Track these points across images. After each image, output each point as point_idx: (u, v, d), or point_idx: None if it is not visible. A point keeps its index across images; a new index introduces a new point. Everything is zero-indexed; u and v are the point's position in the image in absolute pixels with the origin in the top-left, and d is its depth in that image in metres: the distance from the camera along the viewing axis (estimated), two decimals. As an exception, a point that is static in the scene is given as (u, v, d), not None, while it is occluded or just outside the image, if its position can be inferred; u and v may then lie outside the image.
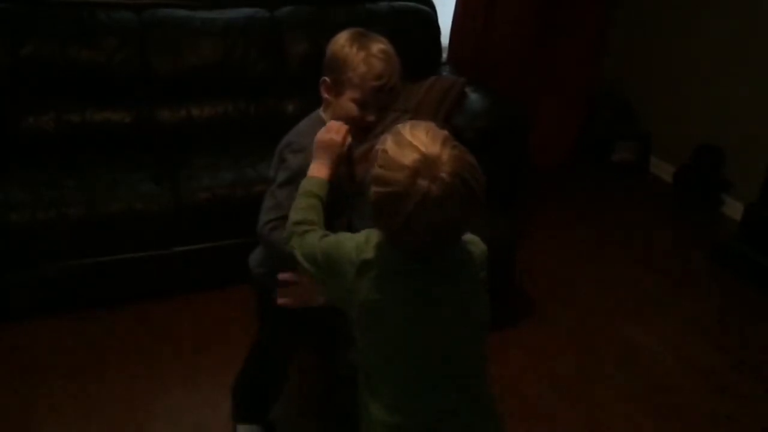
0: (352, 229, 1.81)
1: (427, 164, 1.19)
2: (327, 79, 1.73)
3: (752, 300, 3.12)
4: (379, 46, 1.69)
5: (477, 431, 1.43)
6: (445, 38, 3.77)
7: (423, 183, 1.18)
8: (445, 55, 3.82)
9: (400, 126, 1.28)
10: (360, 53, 1.66)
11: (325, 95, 1.75)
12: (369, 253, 1.34)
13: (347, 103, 1.69)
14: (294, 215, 1.51)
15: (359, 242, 1.36)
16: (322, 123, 1.73)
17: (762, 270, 3.15)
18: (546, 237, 3.49)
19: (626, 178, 4.24)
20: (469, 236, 1.39)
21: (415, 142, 1.22)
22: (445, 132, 1.26)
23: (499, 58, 3.90)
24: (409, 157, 1.20)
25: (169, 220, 2.76)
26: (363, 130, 1.72)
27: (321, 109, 1.79)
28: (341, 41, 1.70)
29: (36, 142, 2.98)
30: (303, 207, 1.52)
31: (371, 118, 1.69)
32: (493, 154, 3.18)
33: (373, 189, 1.24)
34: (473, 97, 3.31)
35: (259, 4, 3.38)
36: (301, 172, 1.64)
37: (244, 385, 2.19)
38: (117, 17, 3.12)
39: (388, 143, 1.25)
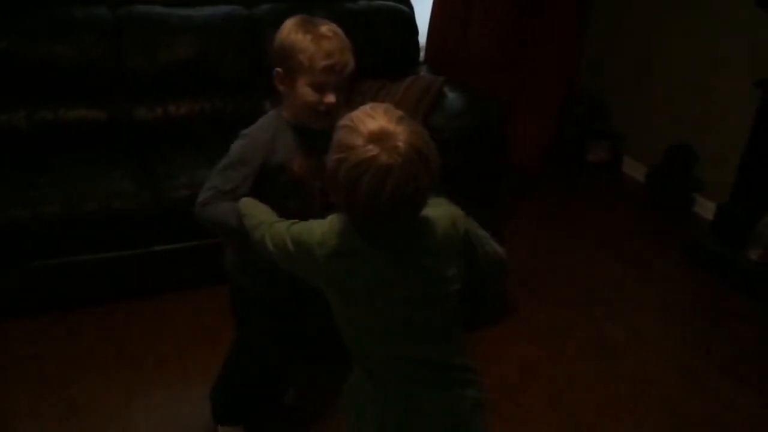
0: None
1: (383, 135, 1.23)
2: (279, 69, 1.73)
3: (724, 296, 3.19)
4: (325, 26, 1.71)
5: (453, 399, 1.47)
6: (422, 37, 3.79)
7: (379, 153, 1.22)
8: (422, 54, 3.84)
9: (361, 106, 1.33)
10: (307, 36, 1.67)
11: (281, 87, 1.75)
12: (333, 235, 1.38)
13: (302, 88, 1.69)
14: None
15: (324, 225, 1.41)
16: (279, 118, 1.76)
17: (733, 267, 3.21)
18: (519, 235, 3.51)
19: (600, 177, 4.30)
20: (432, 200, 1.39)
21: (374, 115, 1.27)
22: (402, 113, 1.30)
23: (475, 58, 3.92)
24: (366, 129, 1.25)
25: (148, 219, 2.73)
26: (326, 115, 1.69)
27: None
28: (287, 28, 1.72)
29: (8, 141, 2.91)
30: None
31: (330, 99, 1.68)
32: (472, 153, 3.23)
33: (332, 158, 1.28)
34: (451, 97, 3.33)
35: (236, 2, 3.36)
36: (241, 159, 1.70)
37: (224, 386, 2.17)
38: (92, 13, 3.07)
39: (348, 118, 1.30)
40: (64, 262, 2.65)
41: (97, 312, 2.74)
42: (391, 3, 3.62)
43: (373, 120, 1.26)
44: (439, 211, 1.40)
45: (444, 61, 3.82)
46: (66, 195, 2.63)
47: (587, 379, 2.65)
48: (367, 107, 1.32)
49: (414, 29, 3.64)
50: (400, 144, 1.23)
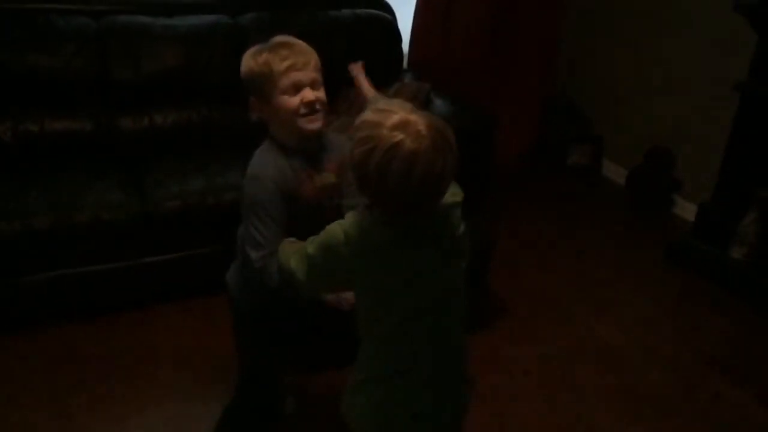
0: None
1: (405, 123, 1.28)
2: (252, 98, 1.77)
3: (710, 294, 3.25)
4: (275, 39, 1.76)
5: (457, 401, 1.54)
6: (404, 45, 3.81)
7: (404, 138, 1.26)
8: (405, 61, 3.86)
9: (372, 106, 1.40)
10: (261, 54, 1.72)
11: (260, 113, 1.78)
12: (357, 231, 1.39)
13: (279, 99, 1.71)
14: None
15: (344, 224, 1.42)
16: (272, 149, 1.77)
17: (718, 265, 3.28)
18: (502, 239, 3.54)
19: (581, 180, 4.36)
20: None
21: (391, 109, 1.31)
22: (412, 105, 1.35)
23: (456, 64, 3.96)
24: (388, 119, 1.29)
25: (138, 230, 2.70)
26: (313, 113, 1.72)
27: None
28: (245, 59, 1.77)
29: (-8, 153, 2.88)
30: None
31: (308, 95, 1.71)
32: (463, 158, 3.24)
33: (356, 151, 1.31)
34: (438, 103, 3.36)
35: (220, 11, 3.35)
36: (257, 201, 1.69)
37: (239, 412, 2.15)
38: (75, 23, 3.04)
39: (366, 114, 1.34)
40: (53, 275, 2.61)
41: (89, 325, 2.70)
42: (374, 11, 3.64)
43: (391, 113, 1.30)
44: (456, 199, 1.45)
45: (427, 67, 3.85)
46: (55, 207, 2.59)
47: (581, 379, 2.68)
48: (380, 104, 1.37)
49: (398, 37, 3.66)
50: (422, 128, 1.27)
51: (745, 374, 2.74)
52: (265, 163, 1.75)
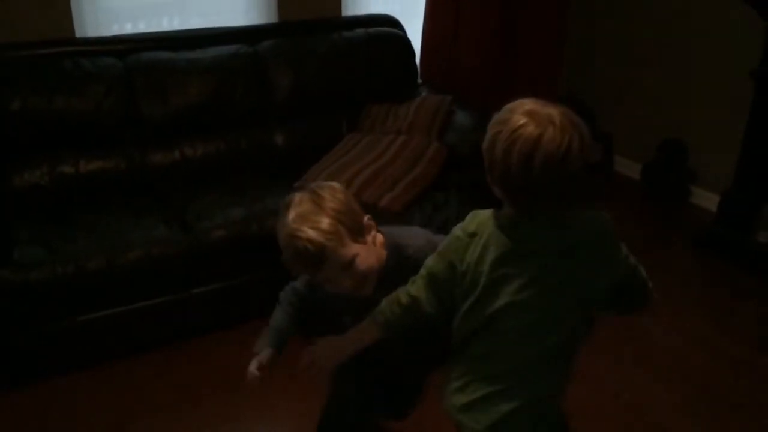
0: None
1: (535, 112, 1.29)
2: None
3: (738, 278, 3.32)
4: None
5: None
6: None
7: (529, 121, 1.28)
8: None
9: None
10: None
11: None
12: (473, 226, 1.44)
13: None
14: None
15: (463, 223, 1.46)
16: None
17: (743, 251, 3.36)
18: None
19: (594, 178, 4.43)
20: (589, 213, 1.45)
21: (523, 102, 1.34)
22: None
23: (466, 73, 4.03)
24: (518, 108, 1.31)
25: (187, 262, 2.73)
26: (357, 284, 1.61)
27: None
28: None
29: (31, 198, 2.90)
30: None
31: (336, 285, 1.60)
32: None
33: (485, 138, 1.33)
34: (460, 114, 3.42)
35: (239, 41, 3.40)
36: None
37: None
38: (101, 64, 3.08)
39: (496, 116, 1.35)
40: (108, 314, 2.64)
41: (142, 362, 2.73)
42: (386, 29, 3.70)
43: (523, 104, 1.32)
44: (591, 218, 1.45)
45: (439, 80, 3.92)
46: (105, 247, 2.61)
47: (627, 364, 2.75)
48: (507, 106, 1.36)
49: (411, 52, 3.73)
50: (553, 112, 1.29)
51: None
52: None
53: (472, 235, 1.43)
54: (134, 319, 2.69)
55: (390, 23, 3.78)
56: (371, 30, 3.64)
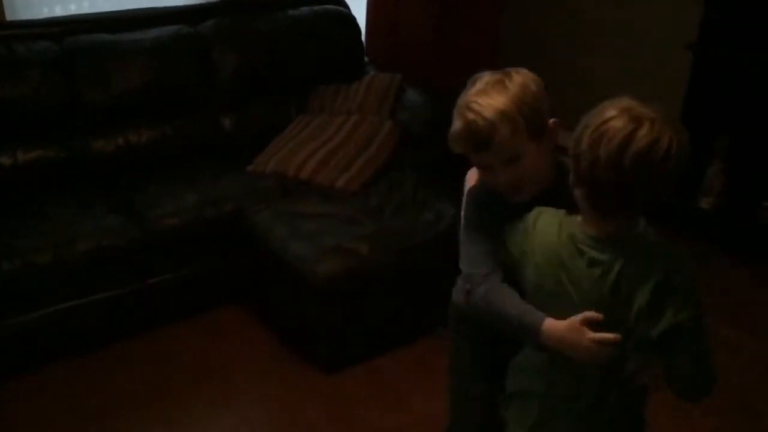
0: None
1: (629, 109, 1.24)
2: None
3: (684, 245, 3.39)
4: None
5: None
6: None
7: (617, 114, 1.23)
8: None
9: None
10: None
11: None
12: (539, 218, 1.42)
13: None
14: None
15: (529, 216, 1.43)
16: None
17: (687, 216, 3.44)
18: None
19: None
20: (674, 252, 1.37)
21: (620, 98, 1.28)
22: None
23: (411, 51, 4.01)
24: (610, 105, 1.26)
25: (139, 252, 2.65)
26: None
27: None
28: None
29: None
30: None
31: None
32: (442, 146, 3.31)
33: (574, 135, 1.27)
34: (410, 92, 3.40)
35: (179, 21, 3.29)
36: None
37: None
38: (37, 48, 2.93)
39: (586, 117, 1.27)
40: (57, 309, 2.54)
41: (98, 357, 2.63)
42: (331, 7, 3.64)
43: (620, 100, 1.27)
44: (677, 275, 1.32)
45: (385, 58, 3.89)
46: (53, 240, 2.51)
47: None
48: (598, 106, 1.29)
49: (357, 31, 3.68)
50: (643, 112, 1.23)
51: (734, 316, 2.90)
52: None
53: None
54: (88, 313, 2.60)
55: (334, 0, 3.72)
56: (317, 8, 3.58)
